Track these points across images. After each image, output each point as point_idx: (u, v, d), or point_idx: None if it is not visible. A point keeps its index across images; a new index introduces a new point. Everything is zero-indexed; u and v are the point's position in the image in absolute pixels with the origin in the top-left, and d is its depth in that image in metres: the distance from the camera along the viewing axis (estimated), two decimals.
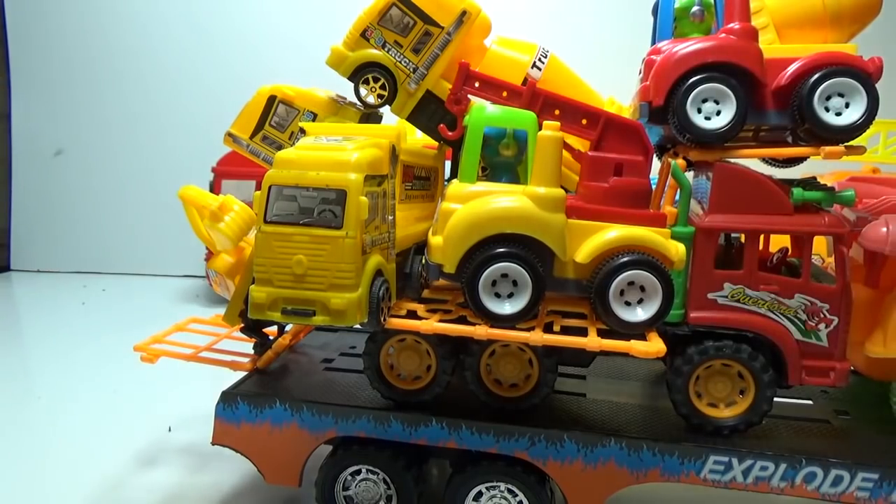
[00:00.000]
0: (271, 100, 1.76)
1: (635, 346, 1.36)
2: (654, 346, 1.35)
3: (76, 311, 3.79)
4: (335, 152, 1.28)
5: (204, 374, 2.00)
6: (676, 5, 1.72)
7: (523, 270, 1.36)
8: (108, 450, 2.14)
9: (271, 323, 1.94)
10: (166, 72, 4.68)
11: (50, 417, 2.40)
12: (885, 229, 1.51)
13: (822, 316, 1.54)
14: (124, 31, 4.73)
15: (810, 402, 1.84)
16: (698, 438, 1.59)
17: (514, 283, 1.38)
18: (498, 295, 1.39)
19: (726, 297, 1.57)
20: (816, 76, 1.50)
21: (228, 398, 1.76)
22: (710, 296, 1.58)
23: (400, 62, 1.68)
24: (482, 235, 1.37)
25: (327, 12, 3.97)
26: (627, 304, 1.40)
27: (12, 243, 4.87)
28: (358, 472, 1.72)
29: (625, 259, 1.37)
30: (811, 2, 1.60)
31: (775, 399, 1.65)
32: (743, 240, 1.57)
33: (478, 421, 1.63)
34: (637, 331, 1.41)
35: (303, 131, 1.47)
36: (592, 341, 1.37)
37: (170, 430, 2.26)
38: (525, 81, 1.67)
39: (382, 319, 1.37)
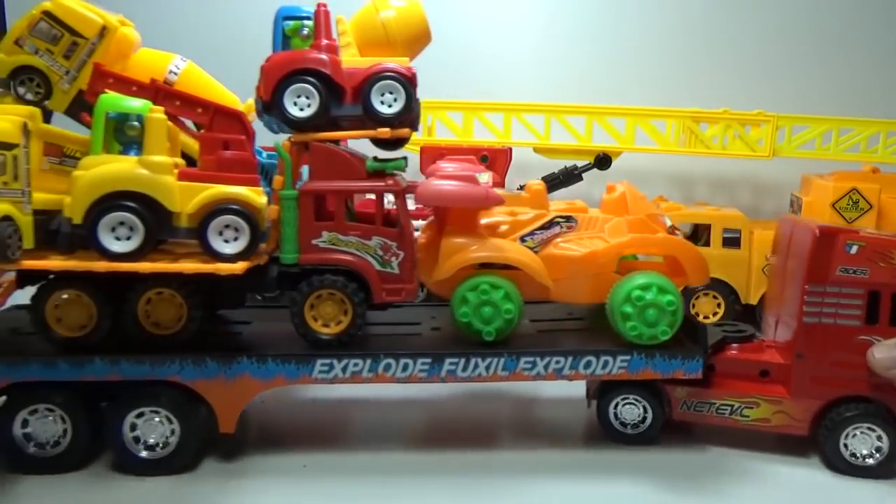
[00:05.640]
0: None
1: (220, 267, 1.85)
2: (232, 267, 1.86)
3: None
4: None
5: None
6: (288, 27, 2.25)
7: (135, 218, 1.80)
8: None
9: None
10: None
11: None
12: (421, 189, 2.13)
13: (392, 251, 2.13)
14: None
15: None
16: (310, 350, 2.10)
17: (131, 228, 1.81)
18: (118, 239, 1.81)
19: (325, 242, 2.11)
20: (373, 78, 2.10)
21: None
22: (313, 242, 2.10)
23: (52, 66, 2.04)
24: (102, 192, 1.81)
25: None
26: (226, 241, 1.90)
27: None
28: (35, 410, 2.01)
29: (219, 207, 1.87)
30: (377, 31, 2.20)
31: None
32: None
33: (135, 354, 2.01)
34: (233, 260, 1.90)
35: None
36: (187, 266, 1.84)
37: None
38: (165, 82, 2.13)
39: (10, 254, 1.73)
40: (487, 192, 2.12)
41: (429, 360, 2.10)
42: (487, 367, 2.11)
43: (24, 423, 2.01)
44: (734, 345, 2.33)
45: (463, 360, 2.10)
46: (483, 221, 2.26)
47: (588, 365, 2.13)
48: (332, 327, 2.13)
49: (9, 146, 1.73)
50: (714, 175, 4.18)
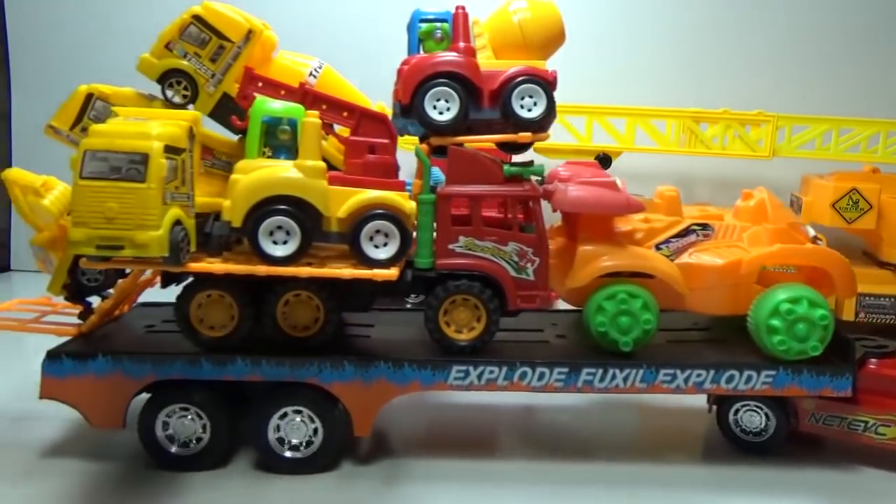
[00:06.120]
0: (89, 97, 2.08)
1: (377, 273, 1.84)
2: (387, 273, 1.85)
3: None
4: (141, 127, 1.70)
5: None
6: (421, 29, 2.24)
7: (293, 222, 1.80)
8: None
9: (94, 291, 2.23)
10: None
11: None
12: (560, 195, 2.09)
13: (528, 257, 2.10)
14: (125, 30, 4.37)
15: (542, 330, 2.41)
16: (445, 356, 2.08)
17: (287, 232, 1.82)
18: (275, 243, 1.82)
19: (462, 246, 2.08)
20: (514, 82, 2.06)
21: (53, 356, 2.03)
22: (449, 247, 2.08)
23: (199, 69, 2.07)
24: (261, 196, 1.81)
25: None
26: (376, 246, 1.88)
27: (12, 243, 4.59)
28: (174, 410, 2.05)
29: (370, 213, 1.86)
30: (514, 33, 2.18)
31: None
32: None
33: (275, 356, 2.03)
34: (383, 266, 1.89)
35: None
36: (344, 271, 1.83)
37: None
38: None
39: (182, 258, 1.75)
40: (629, 199, 2.07)
41: (565, 370, 2.06)
42: (625, 379, 2.06)
43: (165, 426, 2.05)
44: (873, 360, 2.23)
45: (601, 371, 2.06)
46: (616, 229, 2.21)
47: (730, 379, 2.06)
48: (465, 333, 2.10)
49: (178, 150, 1.76)
50: (714, 175, 4.12)
